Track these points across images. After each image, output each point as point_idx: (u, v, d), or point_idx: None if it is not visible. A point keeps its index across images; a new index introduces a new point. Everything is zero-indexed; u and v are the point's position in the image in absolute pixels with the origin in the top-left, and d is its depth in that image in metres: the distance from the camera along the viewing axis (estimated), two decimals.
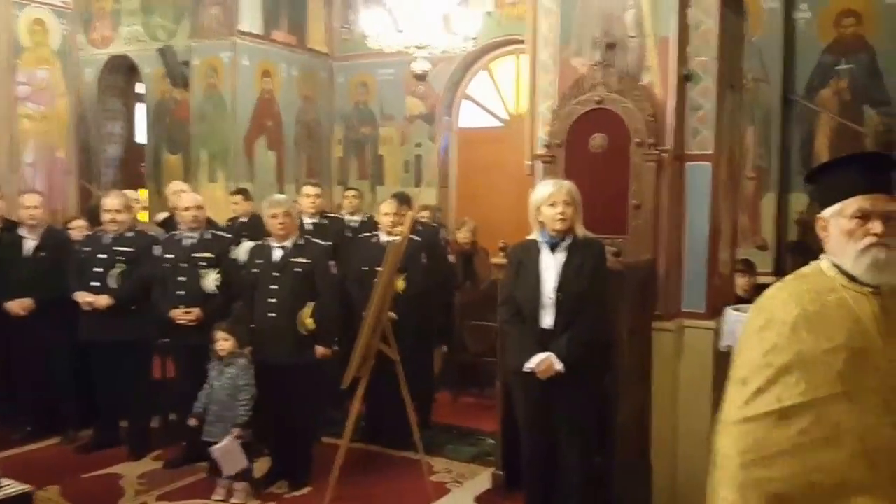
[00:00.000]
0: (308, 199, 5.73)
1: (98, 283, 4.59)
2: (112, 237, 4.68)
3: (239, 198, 6.36)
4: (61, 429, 4.99)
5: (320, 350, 4.20)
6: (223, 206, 6.79)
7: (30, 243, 4.95)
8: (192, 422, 4.08)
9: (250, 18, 7.98)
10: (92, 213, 5.62)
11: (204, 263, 4.47)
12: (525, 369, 3.23)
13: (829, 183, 1.87)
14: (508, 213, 7.21)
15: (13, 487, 3.03)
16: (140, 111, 9.54)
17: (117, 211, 4.67)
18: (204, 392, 4.10)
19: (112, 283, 4.60)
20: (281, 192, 7.69)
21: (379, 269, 4.46)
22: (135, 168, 9.52)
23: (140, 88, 9.43)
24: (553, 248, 3.27)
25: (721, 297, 3.99)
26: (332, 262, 4.64)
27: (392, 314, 4.20)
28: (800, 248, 6.02)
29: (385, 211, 4.92)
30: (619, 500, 3.44)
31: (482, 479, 4.29)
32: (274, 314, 4.12)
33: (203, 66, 8.06)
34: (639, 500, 3.67)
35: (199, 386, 4.15)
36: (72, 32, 7.63)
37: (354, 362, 3.85)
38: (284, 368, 4.09)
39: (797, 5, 6.80)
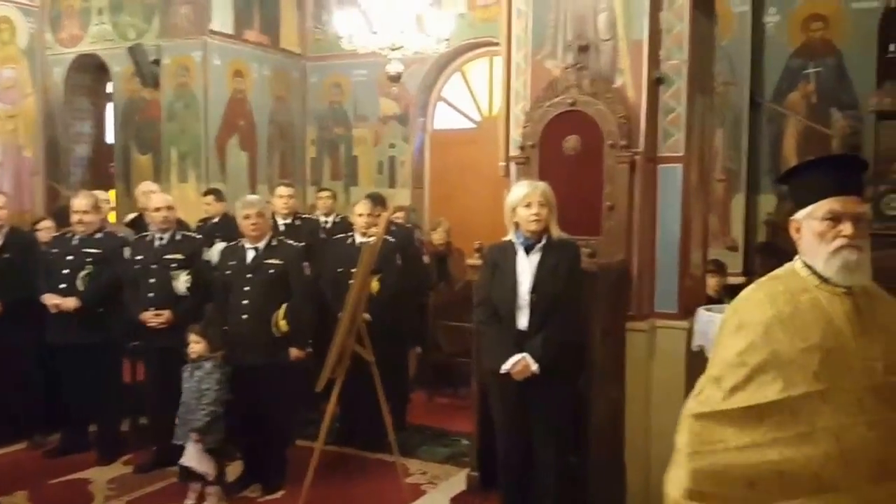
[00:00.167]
0: (281, 199, 5.69)
1: (66, 285, 4.52)
2: (80, 238, 4.61)
3: (211, 198, 6.30)
4: (28, 433, 4.90)
5: (294, 352, 4.18)
6: (194, 206, 6.71)
7: None
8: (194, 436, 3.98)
9: (222, 18, 7.92)
10: (60, 214, 5.53)
11: (175, 265, 4.42)
12: (501, 371, 3.23)
13: (801, 185, 1.89)
14: (482, 214, 7.24)
15: None
16: (109, 110, 9.41)
17: (85, 212, 4.60)
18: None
19: (80, 285, 4.53)
20: (253, 192, 7.66)
21: (353, 270, 4.45)
22: (103, 168, 9.38)
23: (109, 87, 9.30)
24: (528, 249, 3.28)
25: (693, 298, 4.04)
26: (305, 264, 4.61)
27: (366, 315, 4.18)
28: (769, 249, 6.12)
29: (359, 212, 4.90)
30: (593, 499, 3.46)
31: (457, 480, 4.29)
32: (247, 316, 4.09)
33: (173, 66, 7.98)
34: (613, 499, 3.70)
35: (169, 389, 4.09)
36: (39, 31, 7.51)
37: (329, 364, 3.83)
38: (257, 370, 4.06)
39: (766, 10, 6.92)
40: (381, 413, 4.05)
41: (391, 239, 4.84)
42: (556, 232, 3.31)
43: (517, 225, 3.30)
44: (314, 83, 9.05)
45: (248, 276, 4.12)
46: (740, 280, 6.21)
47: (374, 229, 4.66)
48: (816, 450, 1.68)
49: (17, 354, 4.82)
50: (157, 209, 4.49)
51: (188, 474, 3.99)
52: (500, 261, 3.32)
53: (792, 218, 1.89)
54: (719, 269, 5.31)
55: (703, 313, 3.93)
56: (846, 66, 6.58)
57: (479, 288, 3.48)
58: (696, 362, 3.44)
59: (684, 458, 1.80)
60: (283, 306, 4.11)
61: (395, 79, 6.85)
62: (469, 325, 5.37)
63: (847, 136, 6.54)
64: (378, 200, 5.24)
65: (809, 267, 1.83)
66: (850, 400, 1.70)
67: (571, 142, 3.81)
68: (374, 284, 4.59)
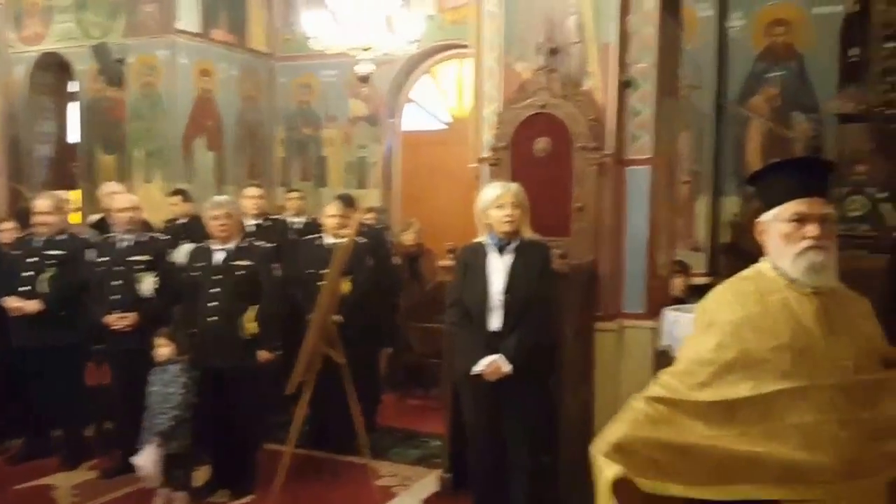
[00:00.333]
0: (250, 200, 5.64)
1: (28, 288, 4.44)
2: (43, 240, 4.52)
3: (178, 199, 6.22)
4: None
5: (263, 354, 4.13)
6: (160, 206, 6.63)
7: None
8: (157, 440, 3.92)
9: (188, 16, 7.83)
10: (22, 215, 5.41)
11: (140, 266, 4.35)
12: (473, 372, 3.24)
13: (767, 187, 1.92)
14: (451, 216, 7.26)
15: None
16: (72, 110, 9.23)
17: (48, 213, 4.52)
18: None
19: (43, 287, 4.45)
20: (220, 193, 7.57)
21: (324, 271, 4.43)
22: (66, 168, 9.21)
23: (72, 87, 9.12)
24: (500, 250, 3.30)
25: (660, 298, 4.09)
26: (276, 265, 4.57)
27: (337, 317, 4.17)
28: (733, 250, 6.22)
29: (330, 213, 4.88)
30: (564, 499, 3.48)
31: (429, 482, 4.29)
32: (215, 318, 4.04)
33: (139, 65, 7.89)
34: (584, 498, 3.72)
35: (135, 393, 4.03)
36: (1, 29, 7.34)
37: (300, 366, 3.80)
38: (225, 373, 4.02)
39: (730, 14, 7.03)
40: (351, 415, 4.03)
41: (362, 240, 4.82)
42: (528, 233, 3.33)
43: (490, 226, 3.32)
44: (283, 83, 8.98)
45: (217, 277, 4.07)
46: (705, 280, 6.32)
47: (345, 230, 4.64)
48: (786, 445, 1.71)
49: None
50: (122, 210, 4.43)
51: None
52: (473, 262, 3.34)
53: (758, 220, 1.91)
54: (684, 269, 5.40)
55: (669, 313, 3.99)
56: (808, 69, 6.71)
57: (450, 289, 3.49)
58: (664, 362, 3.48)
59: (627, 420, 1.80)
60: (252, 308, 4.07)
61: (365, 79, 6.84)
62: (440, 326, 5.38)
63: (809, 139, 6.67)
64: (348, 201, 5.23)
65: (777, 268, 1.85)
66: (822, 398, 1.72)
67: (542, 143, 3.84)
68: (345, 286, 4.57)
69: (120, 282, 4.31)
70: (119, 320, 4.25)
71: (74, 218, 7.09)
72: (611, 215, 3.85)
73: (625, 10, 3.87)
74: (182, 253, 4.67)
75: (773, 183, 1.90)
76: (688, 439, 1.74)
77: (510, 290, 3.23)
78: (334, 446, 4.73)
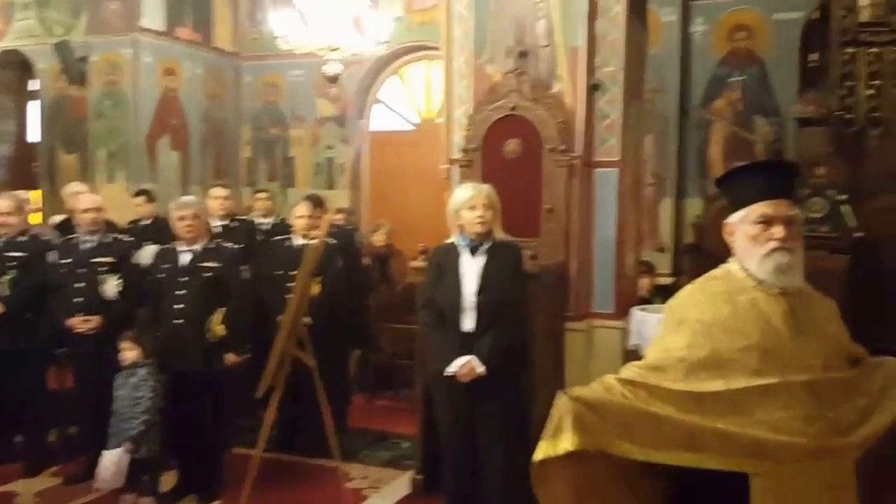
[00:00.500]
0: (217, 200, 5.56)
1: None
2: (3, 242, 4.42)
3: (142, 199, 6.13)
4: None
5: (231, 357, 4.08)
6: (123, 207, 6.52)
7: None
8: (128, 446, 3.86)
9: (152, 14, 7.75)
10: None
11: (104, 268, 4.28)
12: (447, 373, 3.25)
13: (735, 189, 1.95)
14: (421, 216, 7.27)
15: None
16: (33, 108, 9.04)
17: (8, 214, 4.43)
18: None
19: (3, 290, 4.35)
20: (185, 193, 7.49)
21: (293, 272, 4.40)
22: (26, 168, 9.02)
23: (33, 85, 8.94)
24: (473, 251, 3.31)
25: (627, 298, 4.16)
26: (244, 267, 4.53)
27: (306, 319, 4.14)
28: (696, 250, 6.33)
29: (299, 214, 4.84)
30: (536, 498, 3.50)
31: (400, 484, 4.29)
32: (181, 321, 3.99)
33: (102, 63, 7.78)
34: None
35: (99, 397, 3.97)
36: None
37: (269, 369, 3.78)
38: (192, 377, 3.96)
39: (693, 20, 7.16)
40: (321, 417, 4.02)
41: (332, 241, 4.80)
42: (500, 234, 3.35)
43: (461, 227, 3.33)
44: (249, 82, 8.91)
45: (183, 279, 4.02)
46: (669, 280, 6.42)
47: (315, 231, 4.62)
48: (755, 434, 1.74)
49: None
50: (86, 210, 4.35)
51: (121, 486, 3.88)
52: (445, 263, 3.35)
53: (726, 221, 1.94)
54: (649, 269, 5.49)
55: (637, 313, 4.05)
56: (769, 74, 6.88)
57: (423, 290, 3.50)
58: (633, 361, 3.53)
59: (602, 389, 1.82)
60: (220, 311, 4.02)
61: (334, 80, 6.81)
62: (410, 327, 5.38)
63: (770, 143, 6.83)
64: (317, 202, 5.18)
65: (745, 269, 1.88)
66: (789, 396, 1.76)
67: (512, 145, 3.88)
68: (315, 287, 4.55)
69: (83, 284, 4.24)
70: (82, 323, 4.18)
71: (34, 219, 6.95)
72: (580, 217, 3.90)
73: (593, 14, 3.93)
74: (146, 254, 4.61)
75: (741, 185, 1.93)
76: (660, 412, 1.77)
77: (483, 291, 3.25)
78: (304, 449, 4.70)
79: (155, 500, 3.91)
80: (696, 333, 1.83)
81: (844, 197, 5.36)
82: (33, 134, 9.04)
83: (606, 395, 1.81)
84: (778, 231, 1.83)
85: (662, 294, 5.44)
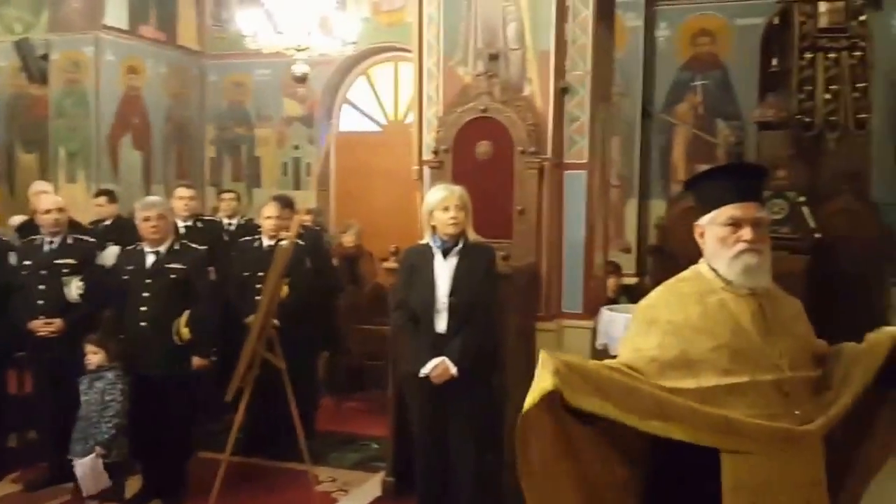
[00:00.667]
0: (181, 201, 5.48)
1: None
2: None
3: (103, 199, 6.01)
4: None
5: (197, 360, 4.03)
6: (84, 207, 6.41)
7: None
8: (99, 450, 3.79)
9: (115, 12, 7.63)
10: None
11: (66, 270, 4.20)
12: (420, 374, 3.26)
13: (704, 192, 1.98)
14: (389, 217, 7.29)
15: None
16: None
17: None
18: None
19: None
20: (148, 193, 7.40)
21: (261, 274, 4.37)
22: None
23: None
24: (445, 252, 3.32)
25: (596, 299, 4.21)
26: (211, 268, 4.48)
27: (274, 321, 4.11)
28: (659, 251, 6.43)
29: (267, 214, 4.80)
30: (506, 498, 3.52)
31: (370, 486, 4.27)
32: (146, 323, 3.93)
33: (63, 61, 7.64)
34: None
35: (60, 401, 3.89)
36: None
37: (239, 372, 3.74)
38: (157, 381, 3.91)
39: (657, 24, 7.28)
40: (289, 421, 3.99)
41: (301, 242, 4.77)
42: (473, 235, 3.37)
43: (434, 228, 3.34)
44: (213, 81, 8.81)
45: (148, 281, 3.96)
46: (634, 280, 6.52)
47: (284, 233, 4.58)
48: (726, 413, 1.78)
49: None
50: (48, 211, 4.27)
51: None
52: (418, 264, 3.35)
53: (696, 223, 1.98)
54: (616, 270, 5.56)
55: (605, 313, 4.11)
56: (731, 78, 7.02)
57: (395, 292, 3.50)
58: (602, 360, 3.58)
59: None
60: (186, 313, 3.97)
61: (301, 80, 6.76)
62: (379, 328, 5.37)
63: (732, 146, 6.97)
64: (286, 202, 5.15)
65: (714, 270, 1.92)
66: (757, 395, 1.79)
67: (483, 147, 3.90)
68: (284, 289, 4.51)
69: (45, 286, 4.16)
70: (44, 326, 4.10)
71: None
72: (550, 218, 3.94)
73: (561, 18, 3.97)
74: (109, 255, 4.53)
75: (710, 188, 1.97)
76: (634, 383, 1.80)
77: (456, 292, 3.26)
78: (272, 453, 4.66)
79: None
80: (666, 334, 1.86)
81: (804, 199, 5.50)
82: None
83: (583, 361, 1.85)
84: (746, 233, 1.86)
85: (627, 294, 5.53)
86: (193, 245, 4.26)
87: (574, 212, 4.04)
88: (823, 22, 5.64)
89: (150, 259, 4.01)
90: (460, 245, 3.34)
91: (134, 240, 4.17)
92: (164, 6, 8.20)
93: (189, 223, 5.44)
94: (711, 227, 1.92)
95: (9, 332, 4.30)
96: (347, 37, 6.79)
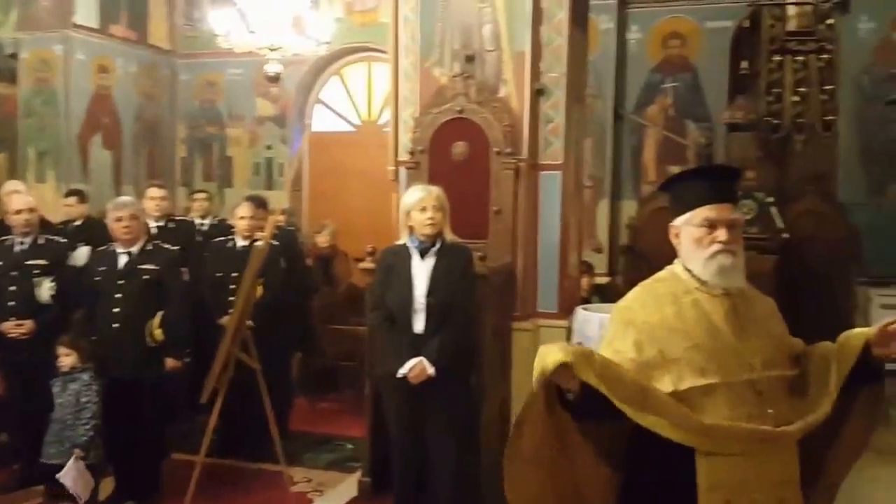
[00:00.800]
0: (153, 201, 5.41)
1: None
2: None
3: (73, 199, 5.91)
4: None
5: (170, 362, 3.99)
6: (53, 207, 6.32)
7: None
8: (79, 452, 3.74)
9: (85, 11, 7.56)
10: None
11: (37, 271, 4.14)
12: (398, 375, 3.27)
13: (680, 193, 2.01)
14: (362, 217, 7.29)
15: None
16: None
17: None
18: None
19: None
20: (118, 193, 7.31)
21: (235, 274, 4.35)
22: None
23: None
24: (423, 253, 3.33)
25: (571, 298, 4.25)
26: (184, 269, 4.44)
27: (248, 321, 4.09)
28: (630, 251, 6.50)
29: (241, 215, 4.75)
30: (484, 497, 3.54)
31: (345, 487, 4.25)
32: (118, 325, 3.88)
33: (32, 60, 7.54)
34: (504, 496, 3.80)
35: (32, 404, 3.84)
36: None
37: (214, 373, 3.72)
38: (130, 382, 3.86)
39: (629, 27, 7.37)
40: (263, 421, 3.96)
41: (275, 242, 4.75)
42: (450, 236, 3.39)
43: (411, 229, 3.35)
44: (185, 81, 8.73)
45: (120, 282, 3.91)
46: (606, 280, 6.59)
47: (258, 233, 4.55)
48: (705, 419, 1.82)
49: None
50: (18, 211, 4.20)
51: (57, 494, 3.75)
52: (395, 264, 3.36)
53: (671, 224, 2.01)
54: (589, 269, 5.61)
55: (580, 312, 4.14)
56: (701, 81, 7.13)
57: (372, 292, 3.50)
58: None
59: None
60: (159, 314, 3.94)
61: (275, 79, 6.73)
62: (353, 328, 5.37)
63: (701, 147, 7.08)
64: (260, 203, 5.11)
65: (689, 270, 1.95)
66: (732, 395, 1.83)
67: (460, 148, 3.92)
68: (258, 289, 4.49)
69: (15, 287, 4.10)
70: (15, 328, 4.04)
71: None
72: (525, 218, 3.97)
73: (537, 20, 4.00)
74: (80, 256, 4.47)
75: (685, 189, 2.00)
76: (622, 372, 1.83)
77: (433, 292, 3.28)
78: (247, 454, 4.63)
79: None
80: (643, 334, 1.89)
81: (772, 199, 5.60)
82: None
83: (584, 348, 1.88)
84: (721, 234, 1.89)
85: (600, 293, 5.58)
86: (166, 245, 4.22)
87: (549, 212, 4.07)
88: (792, 25, 5.75)
89: (122, 260, 3.96)
90: (438, 245, 3.35)
91: (104, 240, 4.12)
92: (135, 5, 8.13)
93: (161, 223, 5.37)
94: (687, 228, 1.95)
95: None
96: (321, 37, 6.78)
